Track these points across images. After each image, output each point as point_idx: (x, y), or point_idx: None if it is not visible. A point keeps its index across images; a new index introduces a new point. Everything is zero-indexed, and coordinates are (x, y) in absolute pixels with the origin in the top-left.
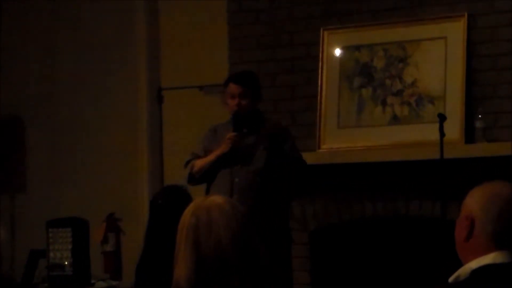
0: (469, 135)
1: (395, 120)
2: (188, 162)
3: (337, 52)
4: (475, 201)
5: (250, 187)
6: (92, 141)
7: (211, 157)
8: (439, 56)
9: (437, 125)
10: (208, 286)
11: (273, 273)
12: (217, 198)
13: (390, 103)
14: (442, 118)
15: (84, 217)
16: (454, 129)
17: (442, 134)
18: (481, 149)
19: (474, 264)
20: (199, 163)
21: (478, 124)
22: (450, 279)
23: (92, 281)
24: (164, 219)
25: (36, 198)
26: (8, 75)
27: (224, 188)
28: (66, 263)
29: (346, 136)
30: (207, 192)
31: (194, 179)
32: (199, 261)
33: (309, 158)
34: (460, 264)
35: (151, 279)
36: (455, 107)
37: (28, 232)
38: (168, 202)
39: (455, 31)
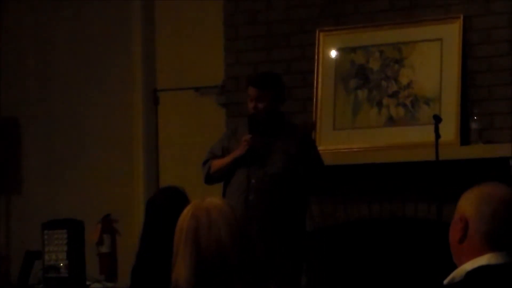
0: (465, 137)
1: (391, 121)
2: (205, 162)
3: (333, 53)
4: (469, 203)
5: (267, 189)
6: (87, 142)
7: (228, 159)
8: (434, 58)
9: (432, 127)
10: (208, 286)
11: (278, 277)
12: (215, 200)
13: (385, 104)
14: (437, 119)
15: (79, 218)
16: (449, 130)
17: (437, 135)
18: (476, 151)
19: (468, 265)
20: (216, 164)
21: (473, 126)
22: (445, 281)
23: (88, 283)
24: (161, 220)
25: (32, 199)
26: (4, 76)
27: (240, 189)
28: (61, 264)
29: (341, 138)
30: (224, 192)
31: (211, 179)
32: (199, 262)
33: None
34: (455, 266)
35: (146, 281)
36: (450, 109)
37: (23, 234)
38: (165, 203)
39: (451, 32)
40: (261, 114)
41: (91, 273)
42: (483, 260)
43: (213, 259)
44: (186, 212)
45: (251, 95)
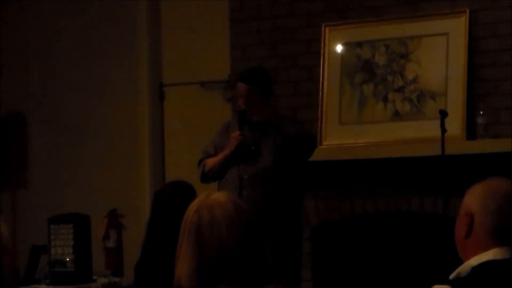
0: (471, 131)
1: (397, 116)
2: (200, 161)
3: (339, 48)
4: (474, 198)
5: (259, 184)
6: (93, 137)
7: (220, 156)
8: (440, 52)
9: (438, 121)
10: (210, 285)
11: (278, 272)
12: (220, 196)
13: (391, 99)
14: (443, 114)
15: (85, 213)
16: (455, 125)
17: (443, 130)
18: (482, 146)
19: (474, 261)
20: (209, 162)
21: (479, 120)
22: (451, 277)
23: (94, 277)
24: (167, 214)
25: (38, 194)
26: (10, 72)
27: (233, 185)
28: (67, 259)
29: (347, 133)
30: (219, 189)
31: (206, 178)
32: (201, 260)
33: None
34: (461, 261)
35: (150, 276)
36: (456, 103)
37: (29, 228)
38: (172, 197)
39: (457, 27)
40: (250, 110)
41: (97, 267)
42: (488, 255)
43: (215, 258)
44: (191, 207)
45: (239, 90)
